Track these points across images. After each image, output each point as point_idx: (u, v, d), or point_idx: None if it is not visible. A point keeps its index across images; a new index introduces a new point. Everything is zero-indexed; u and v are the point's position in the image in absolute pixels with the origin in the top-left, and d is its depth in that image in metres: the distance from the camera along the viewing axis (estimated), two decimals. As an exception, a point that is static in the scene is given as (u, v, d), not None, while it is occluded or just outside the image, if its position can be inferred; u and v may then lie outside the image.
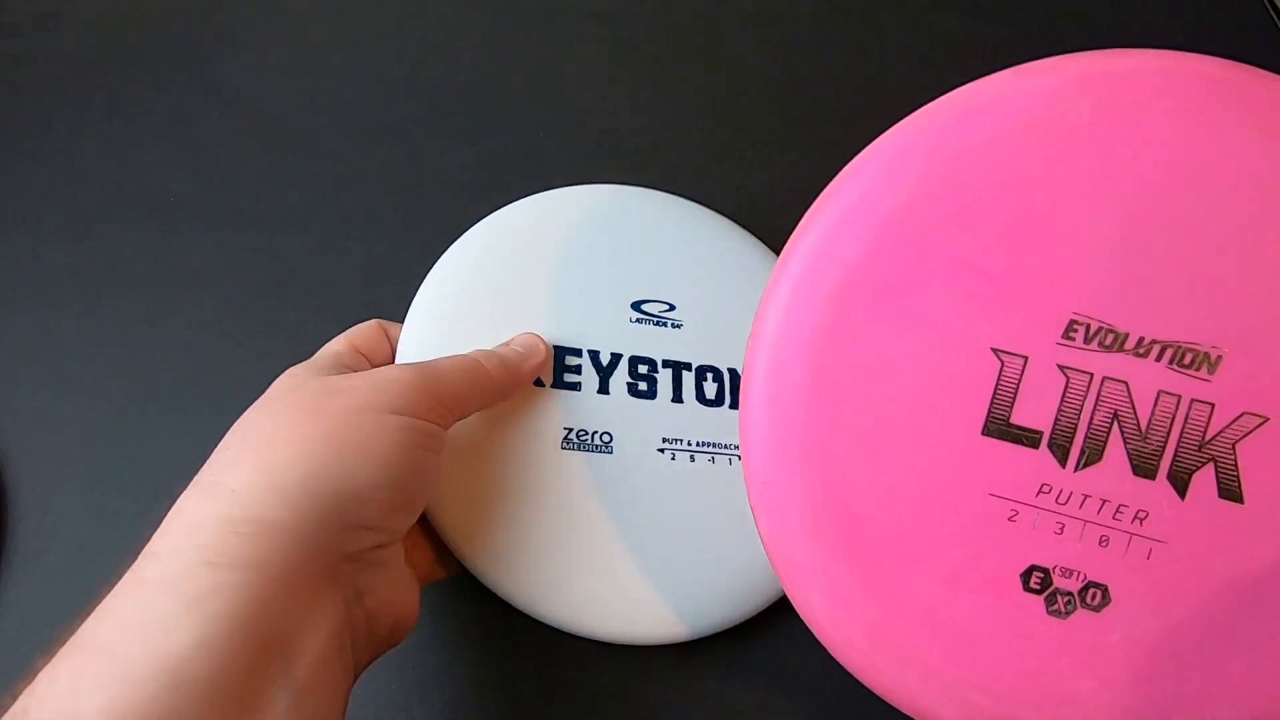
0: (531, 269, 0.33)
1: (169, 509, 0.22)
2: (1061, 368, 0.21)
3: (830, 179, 0.24)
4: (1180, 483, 0.21)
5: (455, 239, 0.34)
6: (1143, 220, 0.21)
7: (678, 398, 0.33)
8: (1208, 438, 0.21)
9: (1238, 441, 0.21)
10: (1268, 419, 0.20)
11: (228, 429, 0.24)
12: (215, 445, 0.24)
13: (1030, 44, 0.45)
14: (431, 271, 0.33)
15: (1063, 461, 0.22)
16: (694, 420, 0.33)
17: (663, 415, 0.32)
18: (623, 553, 0.30)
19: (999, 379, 0.22)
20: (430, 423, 0.25)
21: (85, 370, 0.36)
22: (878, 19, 0.46)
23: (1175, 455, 0.21)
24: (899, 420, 0.23)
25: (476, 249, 0.34)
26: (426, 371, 0.26)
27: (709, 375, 0.33)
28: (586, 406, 0.32)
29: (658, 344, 0.33)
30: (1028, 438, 0.22)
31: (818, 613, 0.24)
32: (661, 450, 0.32)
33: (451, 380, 0.27)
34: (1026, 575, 0.22)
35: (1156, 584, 0.21)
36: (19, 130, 0.41)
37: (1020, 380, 0.22)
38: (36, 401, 0.35)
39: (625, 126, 0.42)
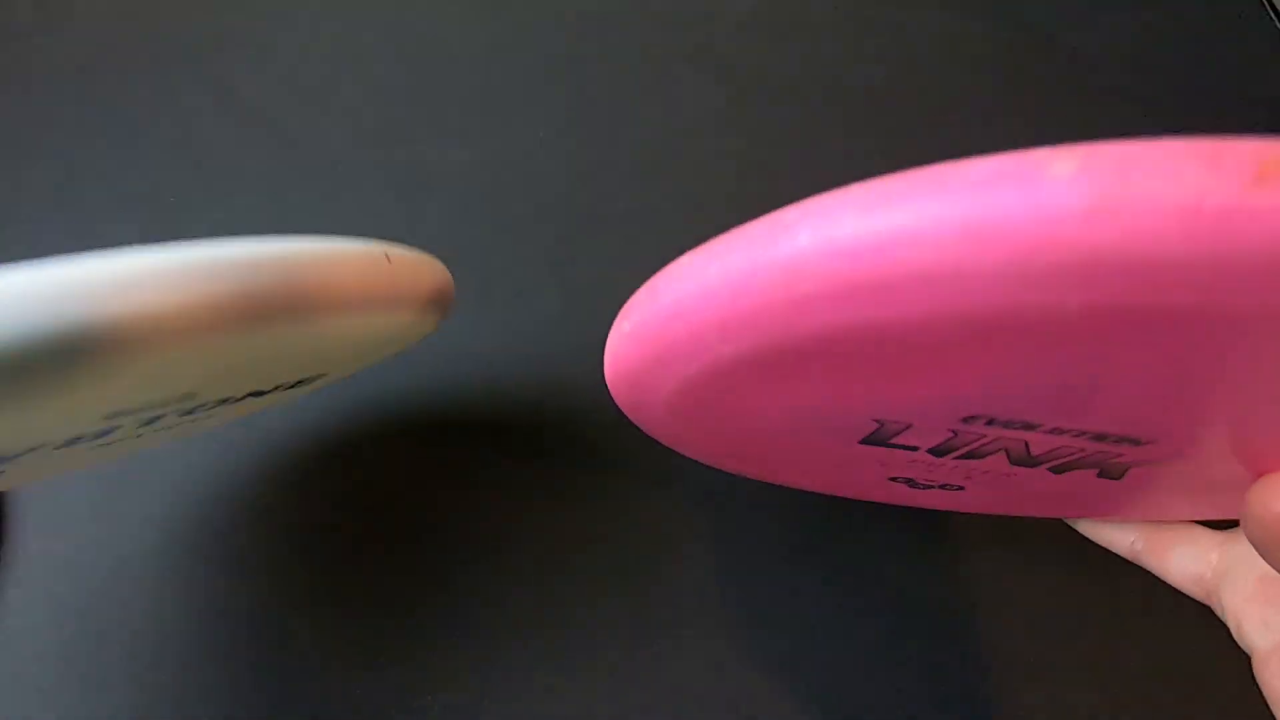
0: None
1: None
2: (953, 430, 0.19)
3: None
4: (1060, 470, 0.21)
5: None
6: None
7: None
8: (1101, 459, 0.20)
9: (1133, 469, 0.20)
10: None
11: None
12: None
13: (1025, 43, 0.45)
14: None
15: (940, 457, 0.22)
16: None
17: None
18: None
19: (881, 428, 0.20)
20: None
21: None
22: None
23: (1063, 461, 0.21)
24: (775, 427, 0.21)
25: None
26: None
27: None
28: None
29: None
30: (906, 448, 0.21)
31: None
32: None
33: None
34: (893, 479, 0.24)
35: (998, 489, 0.24)
36: (19, 130, 0.41)
37: (903, 431, 0.20)
38: (36, 401, 0.35)
39: (621, 124, 0.42)
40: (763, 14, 0.46)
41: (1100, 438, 0.18)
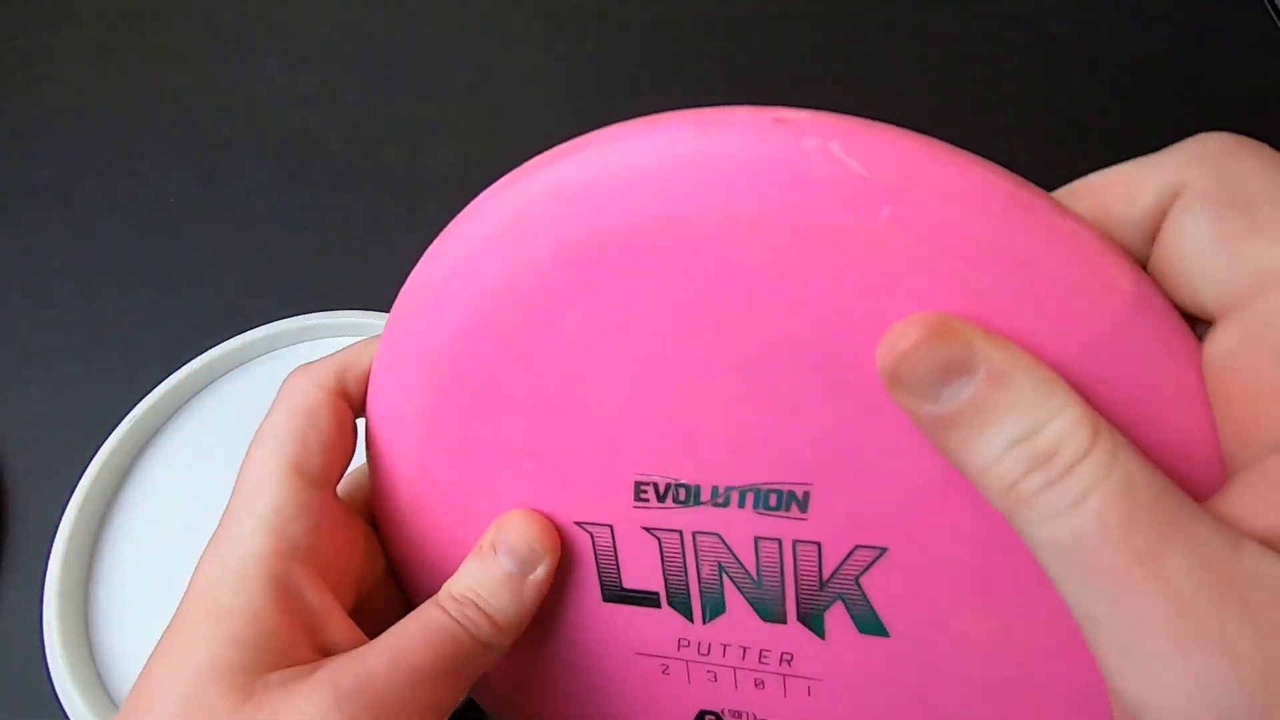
0: None
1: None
2: (648, 530, 0.20)
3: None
4: (813, 624, 0.20)
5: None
6: (681, 363, 0.17)
7: None
8: (826, 577, 0.19)
9: (859, 576, 0.19)
10: (885, 549, 0.18)
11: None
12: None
13: (1023, 42, 0.45)
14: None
15: (689, 617, 0.21)
16: None
17: None
18: None
19: (595, 550, 0.20)
20: None
21: (85, 370, 0.36)
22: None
23: (798, 598, 0.20)
24: None
25: None
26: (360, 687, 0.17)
27: None
28: None
29: None
30: (647, 599, 0.21)
31: None
32: None
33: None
34: (700, 718, 0.22)
35: (821, 717, 0.21)
36: (19, 130, 0.41)
37: (614, 548, 0.20)
38: (36, 401, 0.35)
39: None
40: (759, 13, 0.46)
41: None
